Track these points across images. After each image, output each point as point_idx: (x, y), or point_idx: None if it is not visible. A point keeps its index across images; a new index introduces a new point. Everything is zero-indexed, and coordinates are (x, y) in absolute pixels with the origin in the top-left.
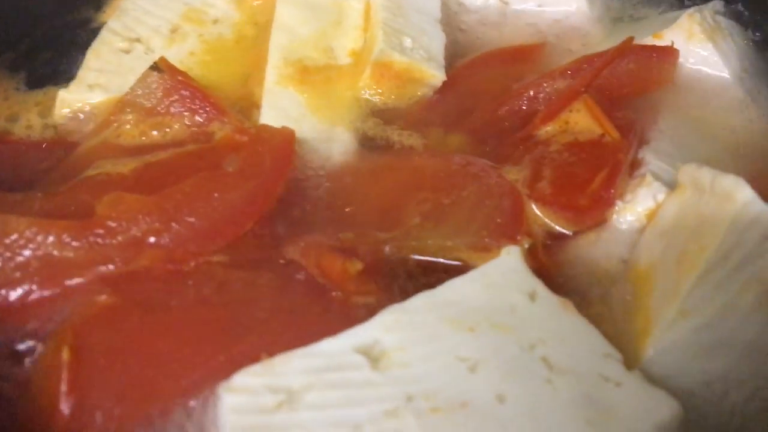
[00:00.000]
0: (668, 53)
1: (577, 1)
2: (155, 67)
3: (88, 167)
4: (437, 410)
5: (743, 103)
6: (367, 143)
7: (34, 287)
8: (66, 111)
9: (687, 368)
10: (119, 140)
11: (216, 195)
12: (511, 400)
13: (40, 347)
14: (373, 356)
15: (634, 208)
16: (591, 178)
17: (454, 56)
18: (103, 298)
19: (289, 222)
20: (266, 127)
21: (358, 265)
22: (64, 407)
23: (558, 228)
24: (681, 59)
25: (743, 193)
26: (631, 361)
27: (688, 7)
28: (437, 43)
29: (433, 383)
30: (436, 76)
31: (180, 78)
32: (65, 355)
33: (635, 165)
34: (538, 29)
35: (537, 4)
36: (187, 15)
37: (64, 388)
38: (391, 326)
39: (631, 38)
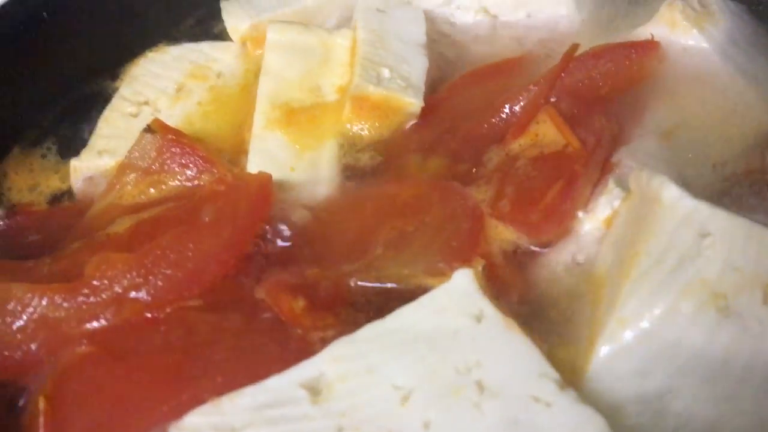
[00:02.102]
0: (648, 48)
1: (566, 5)
2: (148, 128)
3: (96, 229)
4: None
5: (739, 88)
6: (351, 176)
7: (33, 347)
8: (80, 177)
9: (627, 381)
10: (122, 201)
11: (191, 246)
12: (436, 427)
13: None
14: (315, 390)
15: (595, 217)
16: (546, 192)
17: (441, 79)
18: (81, 348)
19: (264, 262)
20: (243, 174)
21: (301, 303)
22: None
23: (526, 244)
24: (666, 50)
25: (668, 192)
26: (576, 377)
27: None
28: (418, 69)
29: (365, 414)
30: (414, 103)
31: (171, 136)
32: (41, 404)
33: (607, 170)
34: (530, 39)
35: (526, 14)
36: (192, 73)
37: None
38: (337, 358)
39: (576, 45)
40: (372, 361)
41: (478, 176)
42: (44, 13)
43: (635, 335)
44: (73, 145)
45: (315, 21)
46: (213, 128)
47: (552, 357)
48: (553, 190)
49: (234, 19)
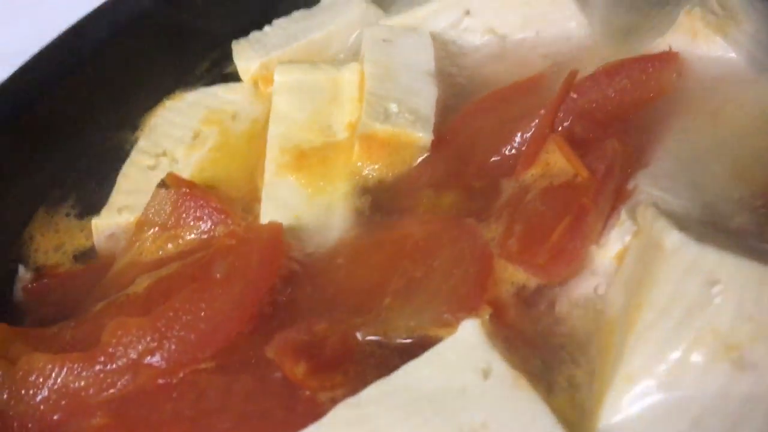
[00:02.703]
0: (666, 60)
1: (575, 19)
2: (162, 183)
3: (118, 289)
4: None
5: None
6: (363, 219)
7: (55, 417)
8: (102, 236)
9: None
10: (142, 258)
11: (203, 305)
12: None
13: None
14: None
15: (606, 252)
16: (554, 230)
17: (455, 105)
18: (96, 420)
19: (276, 317)
20: (253, 226)
21: (302, 367)
22: None
23: (537, 284)
24: (687, 62)
25: (670, 239)
26: None
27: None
28: (427, 100)
29: None
30: (423, 137)
31: (184, 190)
32: None
33: (623, 197)
34: (543, 57)
35: (535, 31)
36: (207, 118)
37: None
38: (339, 423)
39: (575, 71)
40: (377, 425)
41: (492, 211)
42: (64, 71)
43: (642, 394)
44: (98, 201)
45: (326, 53)
46: (227, 174)
47: (562, 410)
48: (560, 228)
49: (244, 60)
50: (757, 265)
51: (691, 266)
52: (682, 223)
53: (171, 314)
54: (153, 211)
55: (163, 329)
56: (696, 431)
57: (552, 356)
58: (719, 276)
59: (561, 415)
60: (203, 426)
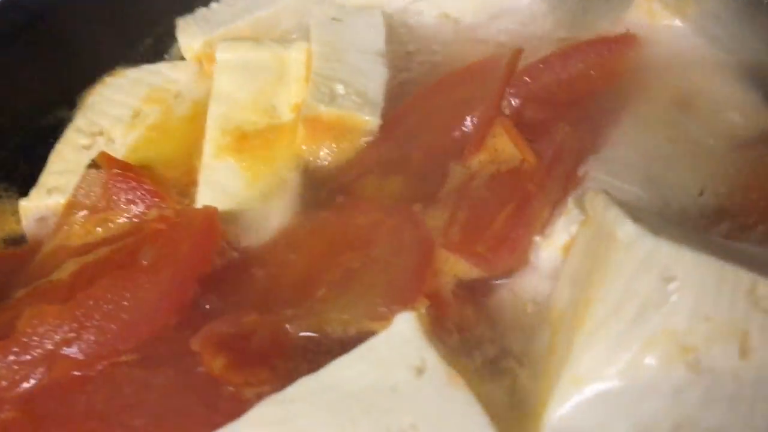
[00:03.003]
0: (623, 42)
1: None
2: (93, 163)
3: (44, 275)
4: None
5: (734, 79)
6: (307, 205)
7: None
8: (31, 219)
9: None
10: (70, 242)
11: (126, 294)
12: None
13: None
14: None
15: (552, 243)
16: (496, 218)
17: (405, 88)
18: (3, 414)
19: (208, 308)
20: (186, 210)
21: (221, 361)
22: None
23: (480, 276)
24: (645, 43)
25: (624, 230)
26: None
27: None
28: (376, 82)
29: None
30: (370, 120)
31: (116, 171)
32: None
33: (572, 184)
34: (497, 39)
35: (489, 14)
36: (149, 96)
37: None
38: (262, 422)
39: (520, 50)
40: (300, 425)
41: (438, 198)
42: None
43: (591, 397)
44: (32, 183)
45: (274, 32)
46: (165, 156)
47: (500, 412)
48: (501, 215)
49: (187, 38)
50: (716, 261)
51: (645, 260)
52: (635, 213)
53: (91, 303)
54: (82, 192)
55: (81, 318)
56: None
57: (494, 354)
58: (676, 272)
59: (499, 417)
60: (115, 423)
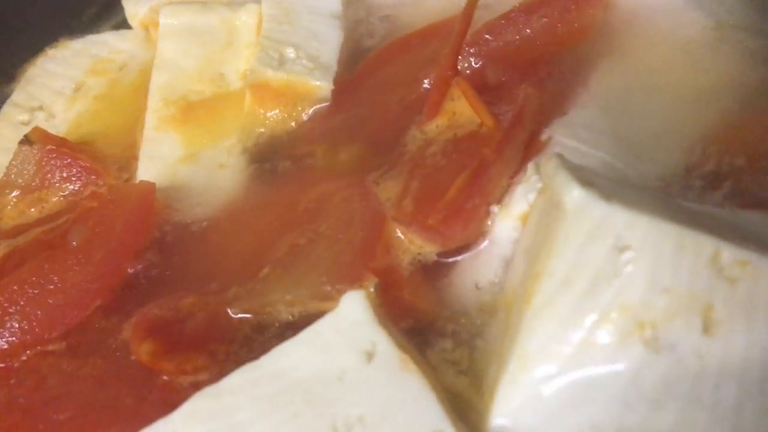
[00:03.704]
0: None
1: None
2: (25, 140)
3: None
4: None
5: (710, 36)
6: (255, 178)
7: None
8: None
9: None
10: (1, 224)
11: (54, 278)
12: None
13: None
14: None
15: (510, 213)
16: (449, 187)
17: (363, 51)
18: None
19: (144, 291)
20: (120, 187)
21: (148, 348)
22: None
23: (435, 251)
24: None
25: (571, 196)
26: (482, 425)
27: None
28: (330, 45)
29: None
30: (322, 86)
31: (51, 147)
32: None
33: (535, 149)
34: None
35: None
36: (93, 68)
37: None
38: (196, 416)
39: (474, 1)
40: (238, 420)
41: (395, 168)
42: None
43: (541, 379)
44: None
45: None
46: (108, 130)
47: (455, 397)
48: (455, 184)
49: (132, 3)
50: (674, 226)
51: (596, 228)
52: (590, 178)
53: (15, 288)
54: (15, 171)
55: (5, 305)
56: (604, 422)
57: (449, 335)
58: (629, 240)
59: (454, 403)
60: (37, 417)
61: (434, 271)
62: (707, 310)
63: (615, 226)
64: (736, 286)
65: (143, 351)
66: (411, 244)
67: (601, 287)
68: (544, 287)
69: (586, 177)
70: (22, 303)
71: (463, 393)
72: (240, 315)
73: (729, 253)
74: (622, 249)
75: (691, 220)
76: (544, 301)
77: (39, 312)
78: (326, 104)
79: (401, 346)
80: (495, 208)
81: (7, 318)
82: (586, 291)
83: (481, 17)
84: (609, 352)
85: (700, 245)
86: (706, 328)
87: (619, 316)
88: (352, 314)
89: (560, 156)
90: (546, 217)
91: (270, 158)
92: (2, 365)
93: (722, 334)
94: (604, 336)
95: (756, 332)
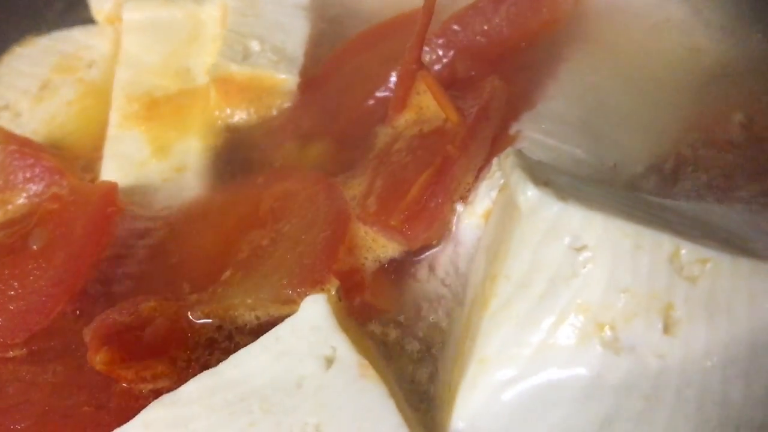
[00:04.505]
0: None
1: None
2: None
3: None
4: None
5: (684, 26)
6: (220, 176)
7: None
8: None
9: None
10: None
11: (14, 283)
12: None
13: None
14: None
15: (474, 211)
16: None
17: (331, 43)
18: None
19: (107, 295)
20: (81, 187)
21: (103, 356)
22: None
23: (400, 250)
24: None
25: (526, 195)
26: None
27: None
28: (296, 37)
29: None
30: (287, 80)
31: (13, 147)
32: None
33: (503, 144)
34: None
35: None
36: (59, 65)
37: None
38: (151, 425)
39: None
40: (194, 429)
41: (363, 165)
42: None
43: (500, 382)
44: None
45: None
46: (76, 128)
47: (417, 402)
48: (418, 182)
49: None
50: (630, 224)
51: (551, 229)
52: (548, 175)
53: None
54: None
55: None
56: (565, 425)
57: (414, 336)
58: (586, 240)
59: (416, 407)
60: None
61: (399, 270)
62: (667, 309)
63: (571, 225)
64: (696, 284)
65: (98, 361)
66: (374, 242)
67: (559, 288)
68: (501, 289)
69: (543, 175)
70: None
71: (426, 396)
72: (201, 320)
73: (688, 251)
74: (580, 249)
75: (652, 217)
76: (501, 304)
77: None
78: (293, 99)
79: (362, 351)
80: (460, 206)
81: None
82: (544, 292)
83: (449, 8)
84: (568, 355)
85: (659, 244)
86: (667, 328)
87: (577, 318)
88: (313, 318)
89: (518, 153)
90: (504, 216)
91: (236, 155)
92: None
93: (683, 333)
94: (563, 338)
95: (717, 331)
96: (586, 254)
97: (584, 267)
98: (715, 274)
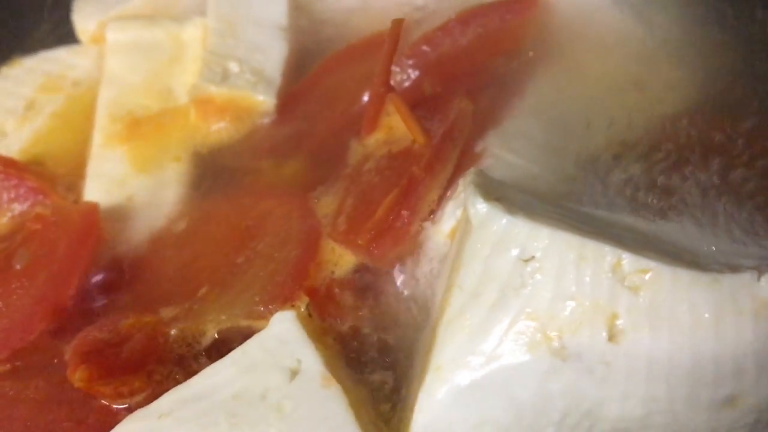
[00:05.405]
0: (525, 5)
1: None
2: None
3: None
4: None
5: (644, 44)
6: (200, 195)
7: None
8: None
9: None
10: None
11: None
12: None
13: None
14: None
15: (440, 229)
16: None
17: (310, 64)
18: None
19: (89, 312)
20: (64, 208)
21: (82, 374)
22: None
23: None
24: (549, 6)
25: (476, 209)
26: None
27: None
28: (274, 58)
29: None
30: (265, 101)
31: None
32: None
33: (470, 162)
34: (406, 7)
35: None
36: (44, 85)
37: None
38: None
39: (401, 20)
40: None
41: (337, 183)
42: None
43: (455, 390)
44: None
45: (174, 10)
46: (61, 148)
47: (380, 411)
48: (385, 203)
49: (82, 19)
50: (574, 236)
51: (500, 240)
52: (502, 192)
53: None
54: None
55: None
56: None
57: (382, 349)
58: (533, 251)
59: (384, 419)
60: None
61: (368, 286)
62: (612, 318)
63: (519, 238)
64: (639, 294)
65: (77, 378)
66: (344, 261)
67: (509, 297)
68: (455, 299)
69: (496, 191)
70: None
71: (393, 406)
72: (178, 336)
73: (629, 261)
74: (528, 260)
75: (599, 231)
76: (454, 313)
77: None
78: (270, 118)
79: (328, 363)
80: (428, 224)
81: None
82: (495, 301)
83: (419, 27)
84: (518, 362)
85: (602, 254)
86: (611, 336)
87: (526, 326)
88: (281, 333)
89: (478, 171)
90: (461, 232)
91: (215, 174)
92: None
93: (627, 341)
94: (513, 346)
95: (660, 340)
96: (534, 265)
97: (532, 277)
98: (656, 284)
